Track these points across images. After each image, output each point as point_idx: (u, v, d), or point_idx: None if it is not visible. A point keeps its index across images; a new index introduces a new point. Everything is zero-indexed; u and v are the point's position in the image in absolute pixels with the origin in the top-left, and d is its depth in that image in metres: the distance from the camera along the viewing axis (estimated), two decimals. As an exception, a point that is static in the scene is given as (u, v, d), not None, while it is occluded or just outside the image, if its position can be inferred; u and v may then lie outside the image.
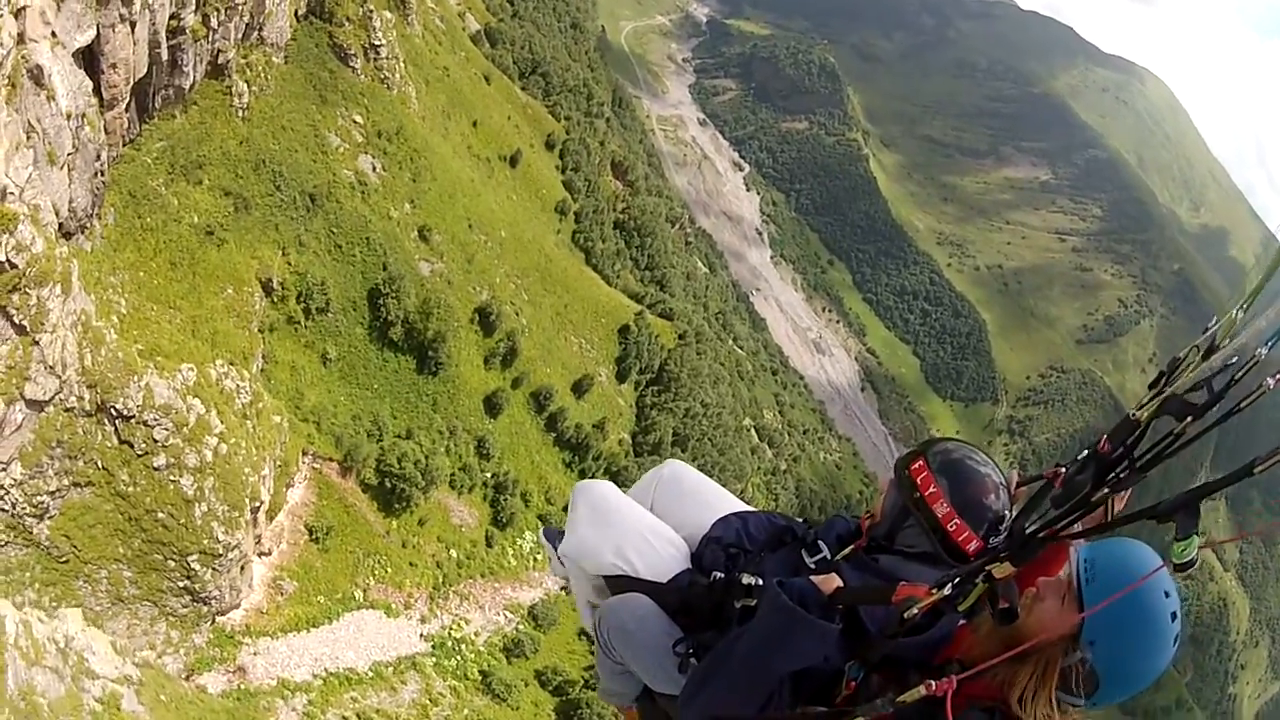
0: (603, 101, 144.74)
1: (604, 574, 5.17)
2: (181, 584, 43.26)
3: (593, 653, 5.70)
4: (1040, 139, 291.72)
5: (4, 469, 36.14)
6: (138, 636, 42.72)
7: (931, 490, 4.11)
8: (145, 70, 49.17)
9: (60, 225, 41.32)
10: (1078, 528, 3.31)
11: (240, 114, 58.91)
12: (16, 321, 33.71)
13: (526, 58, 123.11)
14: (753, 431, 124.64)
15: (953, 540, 4.05)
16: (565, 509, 5.82)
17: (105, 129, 46.78)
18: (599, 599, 5.37)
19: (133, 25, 45.87)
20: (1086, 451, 3.78)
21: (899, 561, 4.28)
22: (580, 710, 62.55)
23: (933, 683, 3.28)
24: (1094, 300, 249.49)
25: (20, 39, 36.70)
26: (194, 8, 52.17)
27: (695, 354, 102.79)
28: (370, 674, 55.56)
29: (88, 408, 38.59)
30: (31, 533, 38.25)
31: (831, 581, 4.06)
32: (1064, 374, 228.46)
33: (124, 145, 50.98)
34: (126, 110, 49.43)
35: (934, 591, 3.49)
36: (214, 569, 43.94)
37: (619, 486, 5.54)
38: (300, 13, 66.30)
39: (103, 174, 46.54)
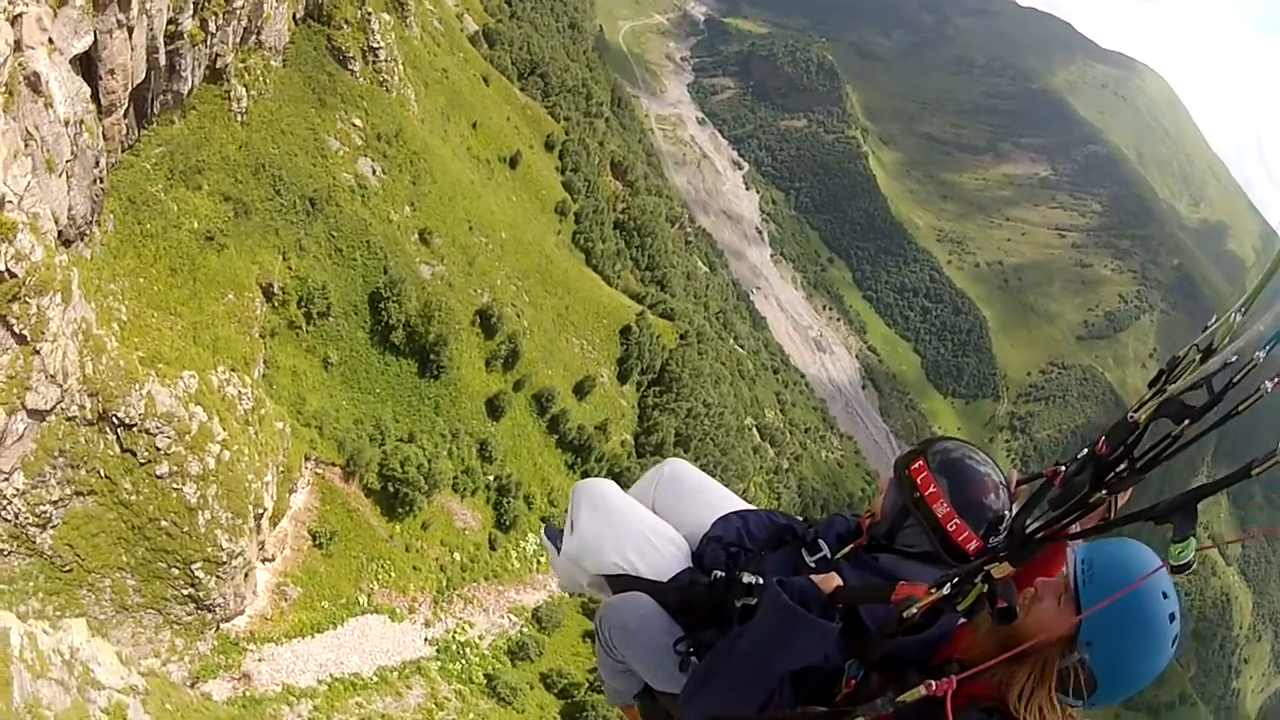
0: (601, 101, 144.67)
1: (605, 573, 5.15)
2: (185, 592, 43.15)
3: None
4: (1039, 135, 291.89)
5: (6, 479, 36.00)
6: (142, 645, 42.60)
7: (931, 490, 4.11)
8: (143, 76, 48.92)
9: (59, 233, 41.11)
10: (1076, 528, 3.35)
11: (239, 118, 58.73)
12: (17, 331, 33.56)
13: (525, 58, 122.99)
14: (754, 431, 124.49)
15: (952, 540, 4.06)
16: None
17: (104, 135, 46.53)
18: (600, 597, 5.36)
19: (130, 31, 45.60)
20: (1086, 450, 3.72)
21: (899, 560, 4.29)
22: (585, 713, 62.37)
23: (932, 683, 3.26)
24: (1094, 296, 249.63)
25: (17, 46, 36.50)
26: (191, 12, 51.94)
27: (697, 354, 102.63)
28: (375, 679, 55.43)
29: (89, 416, 38.45)
30: (34, 542, 38.11)
31: (831, 580, 4.05)
32: (1065, 370, 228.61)
33: (123, 151, 50.76)
34: (125, 116, 49.20)
35: (933, 591, 3.50)
36: (218, 576, 43.81)
37: (621, 487, 5.54)
38: (298, 16, 66.09)
39: (102, 180, 46.36)
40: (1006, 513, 4.07)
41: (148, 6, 46.57)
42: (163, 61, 50.71)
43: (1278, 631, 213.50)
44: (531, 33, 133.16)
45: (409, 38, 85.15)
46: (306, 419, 59.27)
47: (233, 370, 49.22)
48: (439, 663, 60.23)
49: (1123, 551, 3.38)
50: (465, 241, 76.71)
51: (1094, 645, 3.33)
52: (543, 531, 6.62)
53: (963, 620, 3.85)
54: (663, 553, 5.04)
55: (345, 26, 69.22)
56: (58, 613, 38.26)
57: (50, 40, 38.85)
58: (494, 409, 73.48)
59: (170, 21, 50.02)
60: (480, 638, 64.80)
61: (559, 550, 5.71)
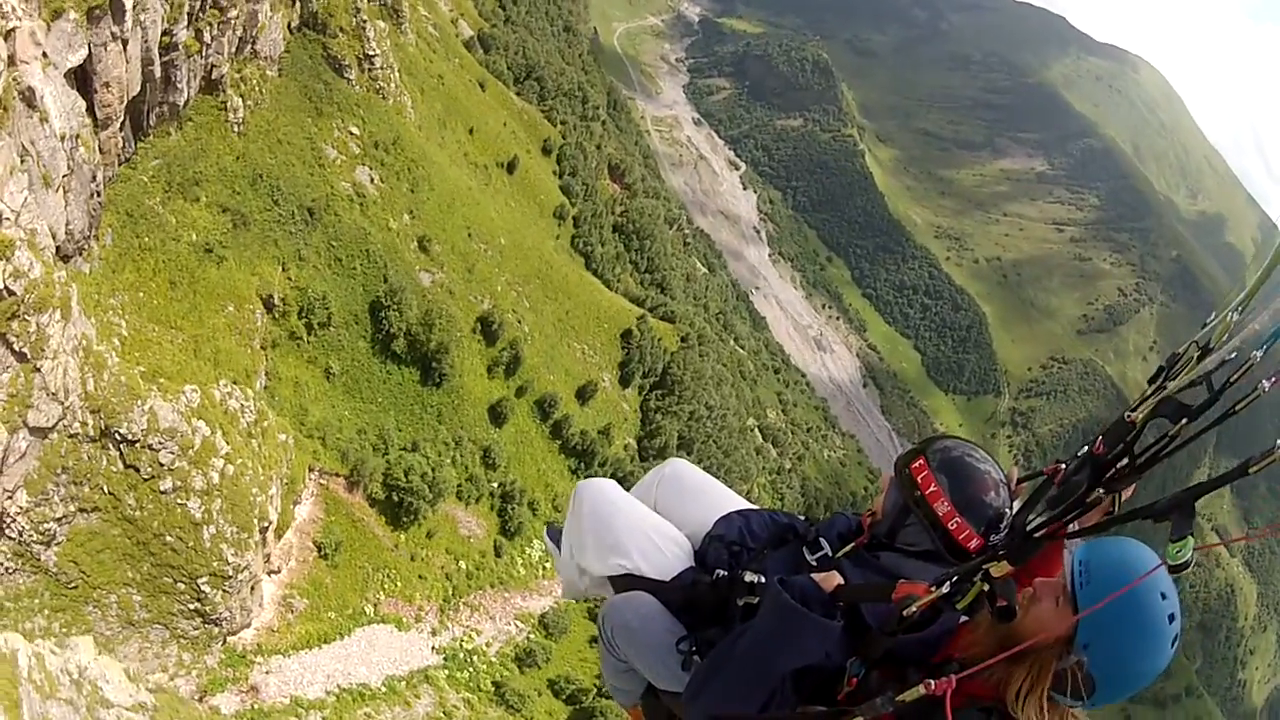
0: (598, 104, 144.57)
1: (608, 573, 5.18)
2: (192, 606, 42.96)
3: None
4: (1035, 130, 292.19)
5: (10, 497, 35.83)
6: (149, 660, 42.41)
7: (932, 489, 4.13)
8: (139, 88, 48.77)
9: (58, 249, 40.97)
10: (1074, 527, 3.36)
11: (236, 129, 58.62)
12: (17, 349, 33.35)
13: (520, 63, 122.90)
14: (757, 431, 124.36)
15: (953, 538, 4.10)
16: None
17: (100, 149, 46.42)
18: (603, 596, 5.39)
19: (125, 43, 45.46)
20: (1085, 449, 3.75)
21: (900, 559, 4.31)
22: (594, 718, 62.23)
23: (931, 682, 3.28)
24: (1093, 290, 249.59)
25: (11, 61, 36.31)
26: (186, 23, 51.80)
27: (698, 356, 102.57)
28: (384, 689, 55.22)
29: (92, 433, 38.27)
30: (39, 560, 37.94)
31: (833, 579, 4.05)
32: (1065, 364, 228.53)
33: (119, 165, 50.64)
34: (121, 129, 49.08)
35: (933, 589, 3.50)
36: (224, 590, 43.63)
37: (623, 488, 5.57)
38: (293, 25, 65.97)
39: (99, 195, 46.22)
40: (1007, 511, 4.09)
41: (142, 18, 46.45)
42: (158, 73, 50.60)
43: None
44: (526, 37, 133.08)
45: (404, 44, 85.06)
46: (309, 430, 59.13)
47: (235, 383, 49.06)
48: (447, 671, 60.03)
49: (1121, 552, 3.34)
50: (465, 248, 76.60)
51: (1091, 647, 3.29)
52: (545, 531, 6.69)
53: (964, 619, 3.83)
54: (665, 552, 5.06)
55: (340, 34, 69.10)
56: (64, 630, 38.10)
57: (44, 54, 38.69)
58: (497, 416, 73.37)
59: (165, 33, 49.91)
60: (487, 645, 64.62)
61: (562, 552, 5.77)
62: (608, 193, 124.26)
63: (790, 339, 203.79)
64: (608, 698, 56.08)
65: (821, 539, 4.70)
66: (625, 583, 5.04)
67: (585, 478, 6.63)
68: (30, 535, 37.10)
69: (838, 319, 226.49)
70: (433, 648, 60.63)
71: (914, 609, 3.55)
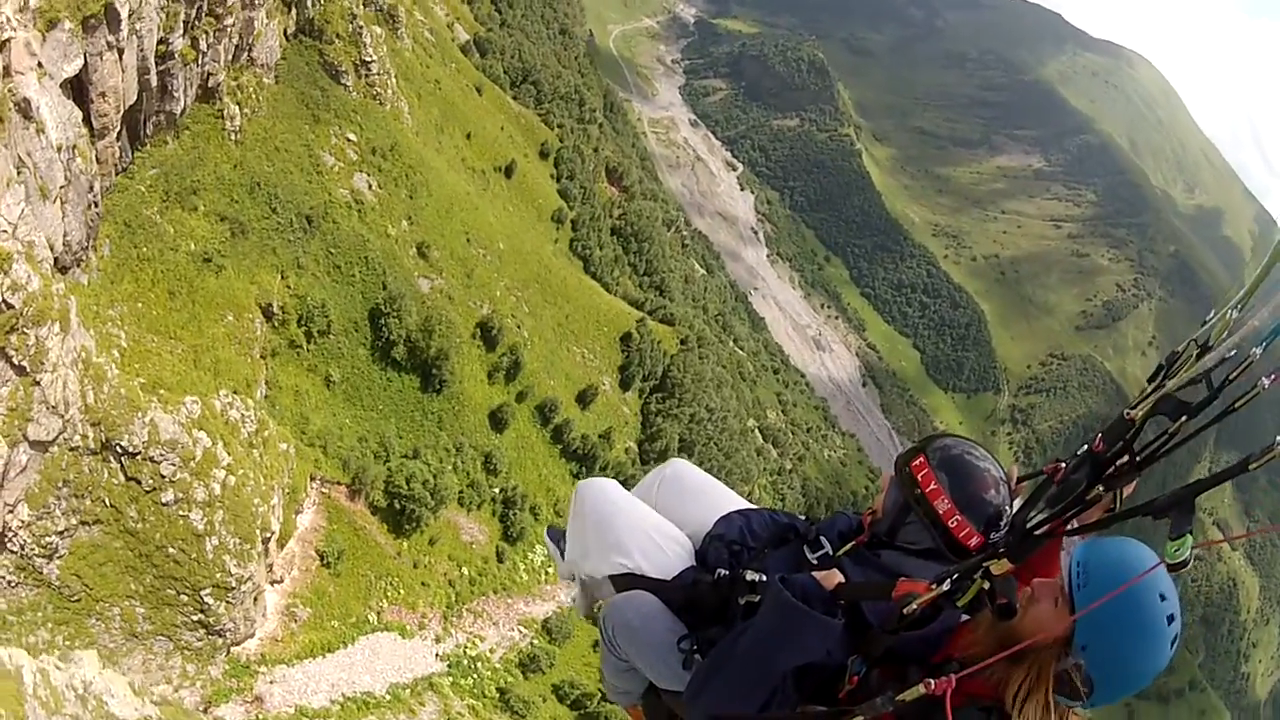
0: (594, 107, 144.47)
1: (608, 572, 5.19)
2: (195, 618, 42.83)
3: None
4: (1032, 127, 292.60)
5: (11, 511, 35.68)
6: (154, 672, 42.28)
7: (932, 487, 4.14)
8: (135, 97, 48.58)
9: (55, 260, 40.79)
10: (1074, 524, 3.41)
11: (233, 137, 58.45)
12: (16, 363, 33.19)
13: (517, 66, 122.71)
14: (757, 433, 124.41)
15: (954, 536, 4.10)
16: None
17: (97, 159, 46.23)
18: (603, 596, 5.39)
19: (120, 52, 45.25)
20: (1085, 448, 3.75)
21: (901, 557, 4.33)
22: (599, 723, 62.31)
23: (932, 681, 3.29)
24: (1092, 286, 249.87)
25: (6, 72, 36.16)
26: (182, 31, 51.52)
27: (698, 359, 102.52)
28: (388, 697, 55.12)
29: (93, 446, 38.12)
30: (42, 573, 37.80)
31: (833, 577, 4.06)
32: (1064, 361, 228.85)
33: (117, 175, 50.45)
34: (118, 139, 48.87)
35: (933, 587, 3.52)
36: (227, 601, 43.49)
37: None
38: (289, 32, 65.82)
39: (96, 205, 46.03)
40: (1007, 509, 4.10)
41: (137, 27, 46.19)
42: (154, 82, 50.38)
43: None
44: (523, 40, 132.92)
45: (401, 50, 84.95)
46: (310, 439, 58.98)
47: (235, 393, 48.90)
48: (451, 678, 59.94)
49: (1119, 553, 3.33)
50: (463, 254, 76.49)
51: (1090, 649, 3.30)
52: (546, 532, 6.70)
53: (964, 618, 3.86)
54: (666, 551, 5.09)
55: (337, 41, 68.96)
56: (67, 643, 38.00)
57: (40, 65, 38.47)
58: (497, 421, 73.26)
59: (161, 41, 49.65)
60: (491, 651, 64.52)
61: (563, 554, 5.86)
62: (605, 196, 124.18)
63: (789, 339, 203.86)
64: (613, 703, 56.03)
65: (822, 538, 4.71)
66: (626, 582, 5.05)
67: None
68: (32, 549, 36.96)
69: (836, 318, 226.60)
70: (437, 655, 60.53)
71: (914, 606, 3.57)
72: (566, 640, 68.44)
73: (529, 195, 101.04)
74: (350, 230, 64.83)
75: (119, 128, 48.12)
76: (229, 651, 46.78)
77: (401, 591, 60.47)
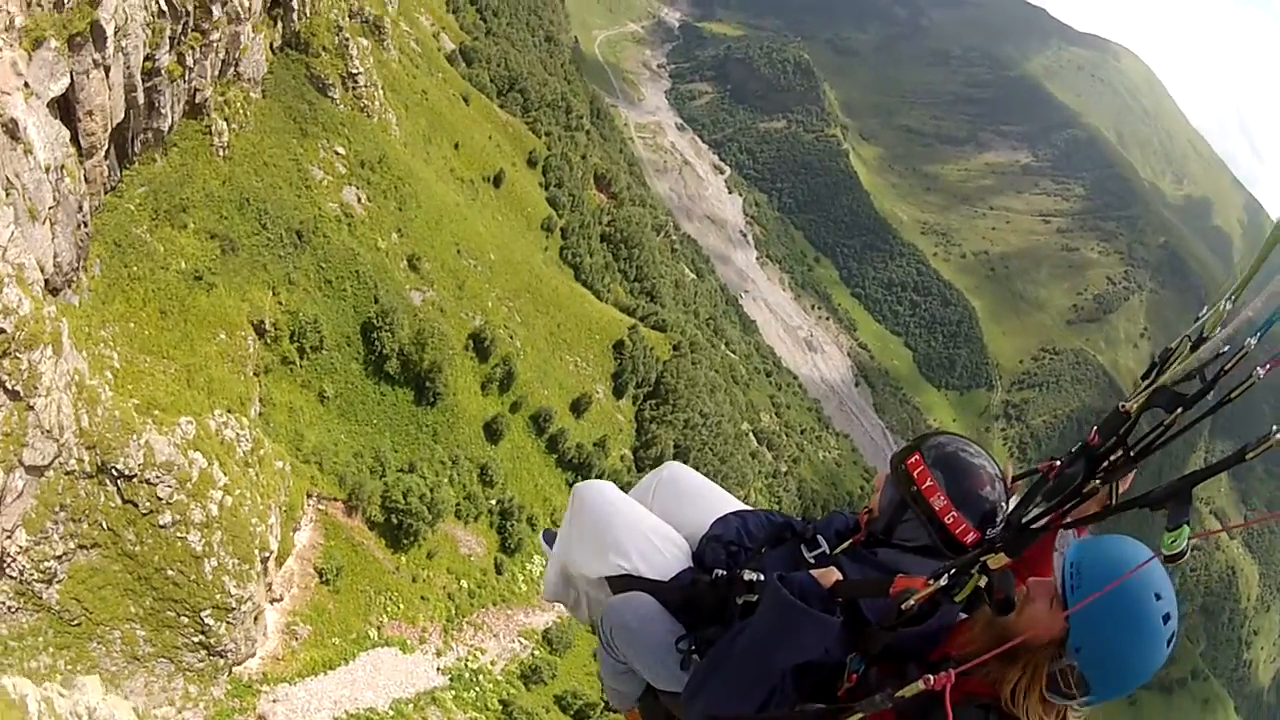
0: (581, 114, 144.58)
1: (606, 574, 5.18)
2: (196, 639, 42.59)
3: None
4: (1019, 122, 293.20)
5: (9, 536, 35.42)
6: (156, 694, 42.05)
7: (928, 484, 4.18)
8: (122, 115, 48.25)
9: (46, 282, 40.50)
10: (1070, 518, 3.45)
11: (221, 153, 58.21)
12: (9, 387, 32.91)
13: (503, 75, 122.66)
14: (751, 436, 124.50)
15: (950, 532, 4.15)
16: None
17: (85, 178, 45.91)
18: (600, 598, 5.40)
19: (107, 70, 44.97)
20: (1080, 444, 3.74)
21: (898, 554, 4.34)
22: (602, 734, 62.15)
23: (930, 677, 3.29)
24: (1082, 279, 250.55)
25: (-7, 94, 35.97)
26: (168, 47, 51.24)
27: (690, 364, 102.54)
28: (391, 712, 54.89)
29: (88, 469, 37.86)
30: (41, 598, 37.55)
31: (831, 575, 4.09)
32: (1056, 355, 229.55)
33: (105, 194, 50.14)
34: (106, 158, 48.59)
35: (930, 583, 3.53)
36: (228, 622, 43.27)
37: None
38: (276, 45, 65.59)
39: (86, 225, 45.75)
40: (1002, 505, 4.14)
41: (124, 44, 45.90)
42: (141, 99, 50.08)
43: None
44: (508, 49, 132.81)
45: (387, 61, 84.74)
46: (306, 455, 58.74)
47: (229, 412, 48.66)
48: (453, 691, 59.74)
49: (1113, 551, 3.33)
50: (454, 265, 76.32)
51: (1083, 650, 3.30)
52: (541, 536, 6.84)
53: (962, 615, 3.89)
54: (664, 552, 5.09)
55: (323, 53, 68.75)
56: (69, 667, 37.86)
57: (26, 84, 38.24)
58: (492, 432, 73.13)
59: (147, 58, 49.35)
60: (493, 663, 64.35)
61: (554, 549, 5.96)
62: (594, 202, 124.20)
63: (781, 341, 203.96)
64: (615, 712, 55.87)
65: (819, 537, 4.74)
66: (623, 583, 5.04)
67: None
68: (31, 574, 36.70)
69: (827, 319, 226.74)
70: (438, 669, 60.34)
71: (912, 603, 3.59)
72: (568, 650, 68.31)
73: (518, 204, 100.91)
74: (340, 244, 64.61)
75: (107, 146, 47.83)
76: (231, 672, 46.54)
77: (401, 606, 60.26)
